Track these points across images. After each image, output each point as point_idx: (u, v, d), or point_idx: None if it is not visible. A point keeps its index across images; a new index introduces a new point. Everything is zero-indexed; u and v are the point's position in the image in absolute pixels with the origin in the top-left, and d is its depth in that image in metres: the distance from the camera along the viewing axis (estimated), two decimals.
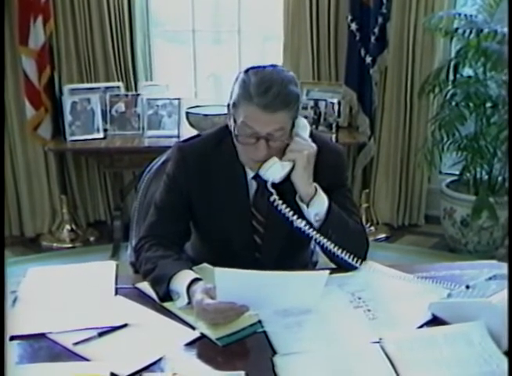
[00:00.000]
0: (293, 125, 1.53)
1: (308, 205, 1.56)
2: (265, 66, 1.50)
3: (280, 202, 1.53)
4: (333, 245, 1.53)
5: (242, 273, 1.31)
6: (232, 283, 1.32)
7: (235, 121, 1.52)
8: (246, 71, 1.50)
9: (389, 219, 3.86)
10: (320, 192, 1.58)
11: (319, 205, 1.56)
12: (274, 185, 1.54)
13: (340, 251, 1.53)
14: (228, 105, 1.55)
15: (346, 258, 1.53)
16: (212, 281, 1.34)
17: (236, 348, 1.31)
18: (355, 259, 1.54)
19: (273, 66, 1.52)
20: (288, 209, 1.53)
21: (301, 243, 1.72)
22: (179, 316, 1.42)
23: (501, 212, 3.25)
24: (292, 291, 1.38)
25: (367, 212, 3.76)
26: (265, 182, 1.55)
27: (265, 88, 1.44)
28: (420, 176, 3.76)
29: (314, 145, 1.57)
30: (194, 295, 1.40)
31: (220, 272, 1.31)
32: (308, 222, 1.55)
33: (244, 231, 1.65)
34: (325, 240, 1.54)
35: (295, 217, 1.53)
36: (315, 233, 1.53)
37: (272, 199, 1.54)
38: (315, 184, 1.57)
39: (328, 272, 1.38)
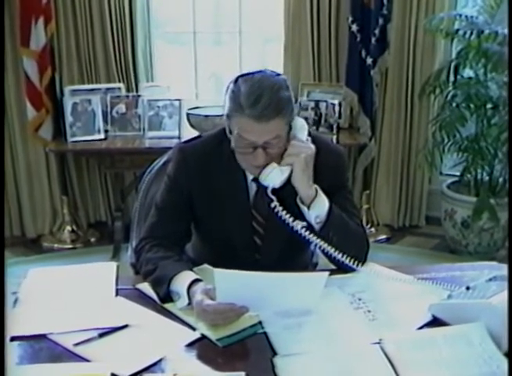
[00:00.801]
0: (290, 128, 1.53)
1: (308, 207, 1.56)
2: (253, 73, 1.48)
3: (281, 209, 1.53)
4: (333, 249, 1.53)
5: (241, 275, 1.31)
6: (231, 284, 1.33)
7: (230, 132, 1.52)
8: (236, 81, 1.48)
9: (389, 220, 3.86)
10: (321, 194, 1.58)
11: (319, 207, 1.56)
12: (275, 189, 1.54)
13: (340, 254, 1.53)
14: (223, 115, 1.54)
15: (346, 261, 1.53)
16: (212, 282, 1.35)
17: (236, 349, 1.31)
18: (356, 261, 1.54)
19: (262, 71, 1.50)
20: (289, 215, 1.53)
21: (301, 244, 1.71)
22: (180, 317, 1.42)
23: (502, 214, 3.24)
24: (292, 292, 1.38)
25: (368, 213, 3.76)
26: (266, 188, 1.55)
27: (254, 99, 1.42)
28: (420, 177, 3.76)
29: (312, 146, 1.56)
30: (194, 296, 1.40)
31: (219, 273, 1.31)
32: (309, 225, 1.55)
33: (244, 232, 1.66)
34: (326, 245, 1.53)
35: (295, 223, 1.52)
36: (315, 238, 1.53)
37: (272, 205, 1.53)
38: (315, 186, 1.57)
39: (328, 273, 1.38)
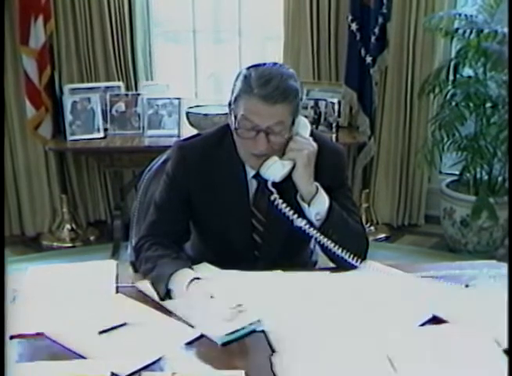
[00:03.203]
0: (293, 123, 1.54)
1: (309, 204, 1.57)
2: (265, 63, 1.53)
3: (280, 201, 1.54)
4: (333, 244, 1.54)
5: (240, 274, 1.31)
6: (230, 283, 1.33)
7: (235, 117, 1.53)
8: (248, 68, 1.53)
9: (389, 219, 3.86)
10: (321, 191, 1.58)
11: (320, 204, 1.57)
12: (275, 184, 1.54)
13: (340, 250, 1.53)
14: (230, 102, 1.56)
15: (346, 257, 1.54)
16: (211, 281, 1.35)
17: (235, 348, 1.31)
18: (355, 259, 1.54)
19: (274, 63, 1.54)
20: (288, 208, 1.53)
21: (301, 242, 1.72)
22: (179, 315, 1.41)
23: (501, 212, 3.25)
24: (291, 290, 1.38)
25: (367, 212, 3.76)
26: (266, 181, 1.55)
27: (265, 81, 1.46)
28: (419, 176, 3.76)
29: (314, 144, 1.57)
30: (193, 294, 1.40)
31: (217, 273, 1.31)
32: (309, 222, 1.56)
33: (244, 230, 1.66)
34: (325, 240, 1.54)
35: (295, 216, 1.53)
36: (315, 232, 1.54)
37: (272, 198, 1.54)
38: (316, 183, 1.58)
39: (327, 272, 1.38)
